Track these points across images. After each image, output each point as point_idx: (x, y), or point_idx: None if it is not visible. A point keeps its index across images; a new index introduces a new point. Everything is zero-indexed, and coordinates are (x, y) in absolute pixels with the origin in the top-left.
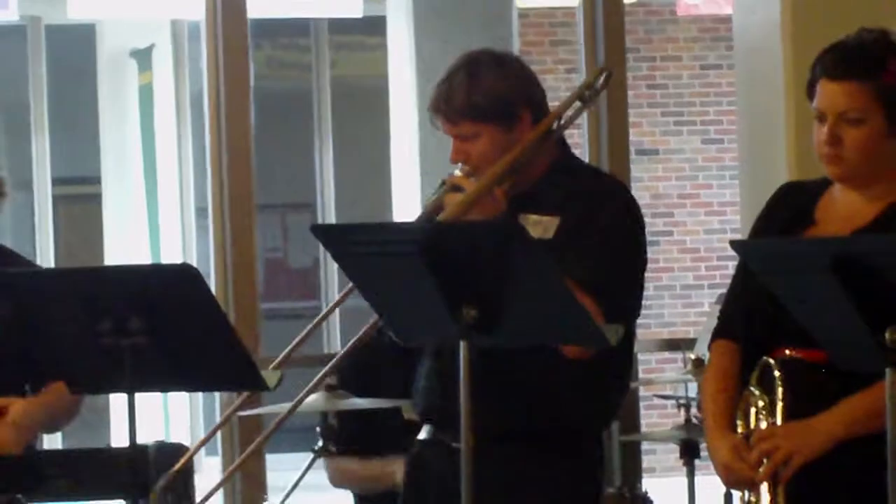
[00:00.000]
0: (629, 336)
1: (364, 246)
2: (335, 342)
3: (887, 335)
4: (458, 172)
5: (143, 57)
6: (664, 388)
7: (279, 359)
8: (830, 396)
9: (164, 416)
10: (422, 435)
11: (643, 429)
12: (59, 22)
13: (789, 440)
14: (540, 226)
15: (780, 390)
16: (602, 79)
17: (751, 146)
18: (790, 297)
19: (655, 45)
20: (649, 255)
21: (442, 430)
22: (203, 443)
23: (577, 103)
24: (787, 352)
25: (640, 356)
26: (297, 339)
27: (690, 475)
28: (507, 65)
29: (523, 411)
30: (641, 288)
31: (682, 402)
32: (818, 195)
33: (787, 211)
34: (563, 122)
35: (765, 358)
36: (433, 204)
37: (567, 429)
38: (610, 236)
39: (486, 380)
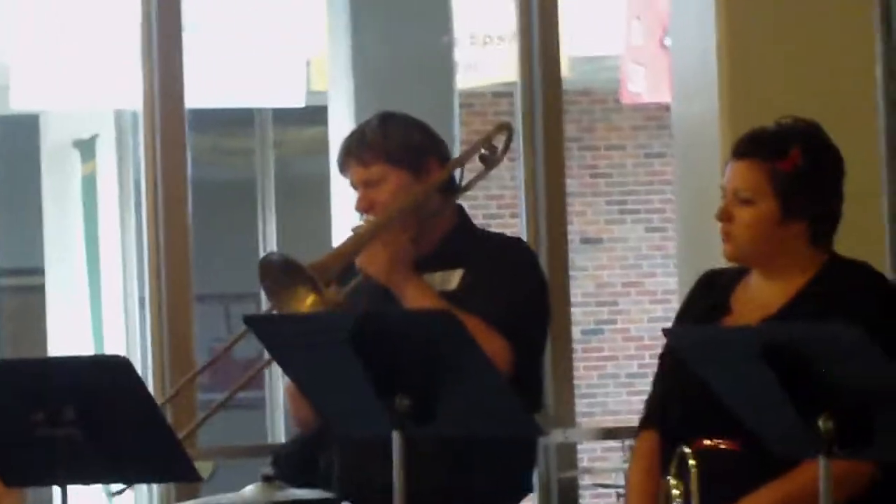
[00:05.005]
0: (539, 378)
1: (295, 337)
2: (279, 432)
3: (820, 423)
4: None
5: (87, 147)
6: (606, 476)
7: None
8: (745, 485)
9: None
10: None
11: None
12: (2, 112)
13: None
14: (441, 279)
15: (694, 479)
16: (503, 136)
17: (688, 234)
18: (721, 384)
19: (599, 133)
20: (593, 344)
21: None
22: None
23: (481, 166)
24: (705, 441)
25: (584, 445)
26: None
27: None
28: (420, 123)
29: (440, 483)
30: (547, 327)
31: (621, 491)
32: (735, 284)
33: (706, 300)
34: (465, 184)
35: (681, 447)
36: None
37: (485, 497)
38: (516, 280)
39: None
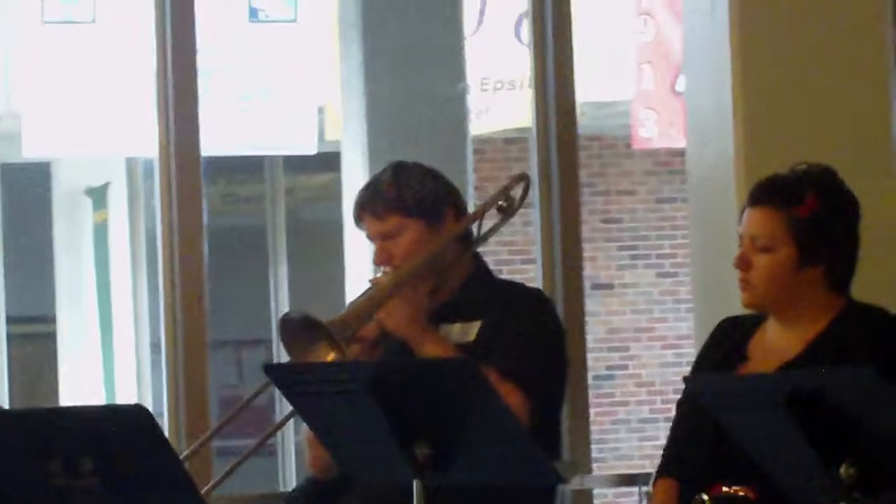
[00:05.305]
0: (557, 427)
1: (315, 385)
2: (290, 479)
3: (842, 470)
4: (380, 275)
5: (98, 195)
6: None
7: (203, 491)
8: None
9: None
10: None
11: None
12: (14, 160)
13: None
14: (460, 331)
15: None
16: (520, 187)
17: (704, 279)
18: (741, 432)
19: (610, 178)
20: (605, 390)
21: None
22: None
23: (499, 216)
24: (723, 488)
25: (597, 490)
26: (220, 476)
27: None
28: (433, 171)
29: None
30: (565, 380)
31: None
32: (752, 331)
33: (723, 348)
34: (482, 233)
35: (698, 495)
36: (354, 301)
37: None
38: (534, 332)
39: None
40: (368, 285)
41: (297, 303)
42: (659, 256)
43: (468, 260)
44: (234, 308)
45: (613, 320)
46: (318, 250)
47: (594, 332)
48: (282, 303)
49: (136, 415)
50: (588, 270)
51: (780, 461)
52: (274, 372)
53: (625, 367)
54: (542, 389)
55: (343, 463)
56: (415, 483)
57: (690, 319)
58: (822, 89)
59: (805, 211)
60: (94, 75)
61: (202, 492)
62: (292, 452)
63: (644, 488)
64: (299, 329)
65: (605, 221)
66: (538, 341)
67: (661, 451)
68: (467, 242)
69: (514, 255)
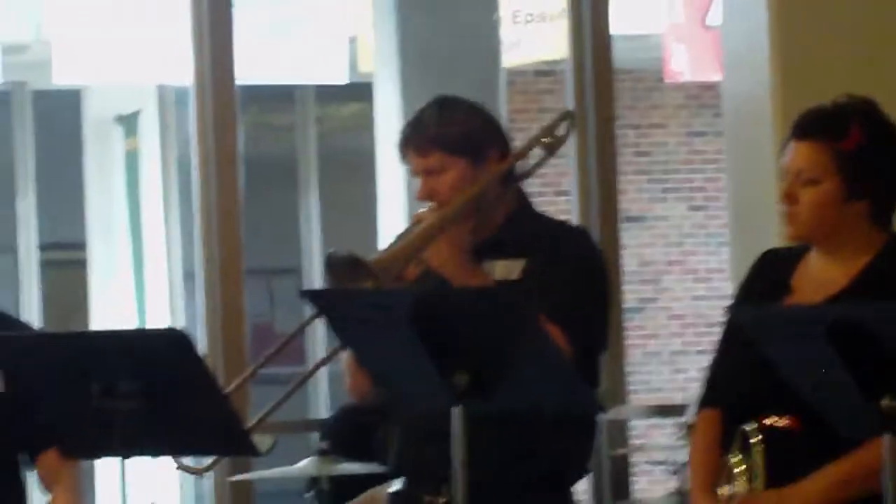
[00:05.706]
0: (597, 369)
1: (354, 311)
2: (321, 407)
3: (884, 402)
4: (424, 210)
5: (129, 123)
6: (658, 454)
7: (254, 422)
8: (807, 463)
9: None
10: (392, 488)
11: (634, 496)
12: (45, 87)
13: None
14: (504, 269)
15: (758, 457)
16: (564, 124)
17: (739, 211)
18: (785, 363)
19: (642, 111)
20: (636, 322)
21: (416, 485)
22: None
23: (542, 152)
24: (767, 420)
25: (630, 422)
26: (272, 405)
27: None
28: (478, 107)
29: (502, 464)
30: (608, 322)
31: (674, 469)
32: (796, 263)
33: (766, 279)
34: (526, 170)
35: (743, 426)
36: (399, 238)
37: (546, 478)
38: (578, 272)
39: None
40: (410, 220)
41: (328, 232)
42: (690, 189)
43: (512, 196)
44: (265, 237)
45: (645, 253)
46: (348, 180)
47: (625, 264)
48: (312, 232)
49: (174, 338)
50: (619, 203)
51: (822, 393)
52: (312, 298)
53: (655, 300)
54: (587, 334)
55: (384, 389)
56: (454, 411)
57: (721, 253)
58: (858, 19)
59: (851, 143)
60: (125, 1)
61: (253, 423)
62: (325, 380)
63: (681, 419)
64: (344, 267)
65: (637, 154)
66: (584, 285)
67: (692, 384)
68: (510, 179)
69: (546, 187)
